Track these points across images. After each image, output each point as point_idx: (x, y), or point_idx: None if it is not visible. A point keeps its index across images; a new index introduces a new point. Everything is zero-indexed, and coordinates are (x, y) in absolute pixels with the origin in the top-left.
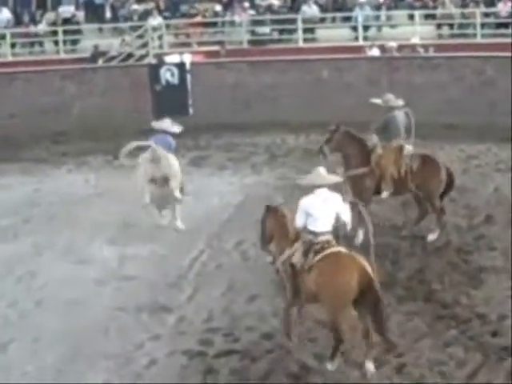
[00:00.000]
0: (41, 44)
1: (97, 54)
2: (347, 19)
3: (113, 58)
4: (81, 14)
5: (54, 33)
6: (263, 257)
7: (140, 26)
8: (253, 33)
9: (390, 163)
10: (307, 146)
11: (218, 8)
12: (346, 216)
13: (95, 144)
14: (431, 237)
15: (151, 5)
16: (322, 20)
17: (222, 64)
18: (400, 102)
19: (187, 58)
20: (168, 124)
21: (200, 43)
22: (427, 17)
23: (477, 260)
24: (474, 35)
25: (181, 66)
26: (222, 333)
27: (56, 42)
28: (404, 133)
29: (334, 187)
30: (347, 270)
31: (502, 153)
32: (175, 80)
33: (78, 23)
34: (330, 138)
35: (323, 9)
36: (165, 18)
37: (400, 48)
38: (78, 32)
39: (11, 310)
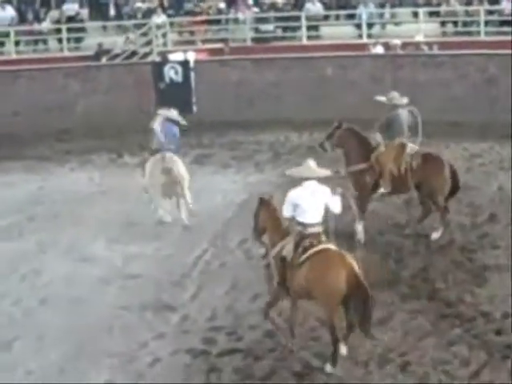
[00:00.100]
0: (45, 42)
1: (101, 51)
2: (351, 17)
3: (117, 55)
4: (85, 12)
5: (58, 31)
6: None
7: (144, 24)
8: (256, 30)
9: (390, 160)
10: (311, 143)
11: (222, 5)
12: (336, 208)
13: (99, 142)
14: (435, 235)
15: (155, 3)
16: (326, 17)
17: (226, 62)
18: (404, 100)
19: (191, 56)
20: (175, 113)
21: (204, 41)
22: (431, 14)
23: (481, 258)
24: (478, 33)
25: (185, 63)
26: (226, 331)
27: (60, 40)
28: (408, 131)
29: (324, 180)
30: (335, 267)
31: (505, 151)
32: (179, 78)
33: (81, 21)
34: (331, 134)
35: (327, 6)
36: (169, 15)
37: (404, 45)
38: (82, 30)
39: (15, 307)
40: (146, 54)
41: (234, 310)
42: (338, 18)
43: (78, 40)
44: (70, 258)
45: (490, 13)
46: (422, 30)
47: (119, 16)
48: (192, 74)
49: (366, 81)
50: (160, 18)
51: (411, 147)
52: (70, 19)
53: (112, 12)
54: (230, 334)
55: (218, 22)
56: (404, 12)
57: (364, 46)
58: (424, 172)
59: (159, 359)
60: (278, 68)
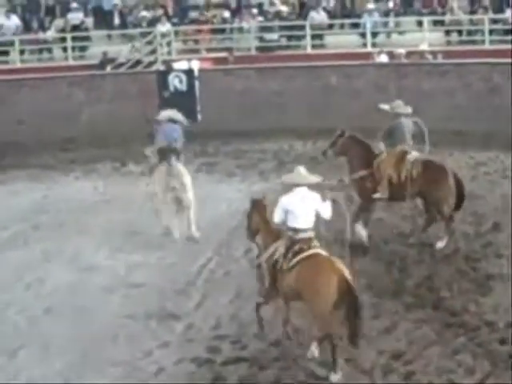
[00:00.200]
0: (49, 51)
1: (105, 60)
2: (356, 25)
3: (121, 64)
4: (89, 21)
5: (63, 39)
6: None
7: (149, 33)
8: (261, 39)
9: (389, 167)
10: (315, 152)
11: (227, 14)
12: (326, 214)
13: (103, 151)
14: (439, 244)
15: (160, 11)
16: (331, 26)
17: (230, 71)
18: (408, 110)
19: (195, 65)
20: (173, 112)
21: (208, 50)
22: (436, 23)
23: (485, 267)
24: (483, 42)
25: (189, 72)
26: (230, 340)
27: (65, 49)
28: (412, 140)
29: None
30: (325, 272)
31: (509, 160)
32: (183, 87)
33: (86, 30)
34: (334, 142)
35: (331, 15)
36: (173, 24)
37: (408, 54)
38: (87, 39)
39: (20, 316)
40: (151, 63)
41: (238, 319)
42: (342, 26)
43: (83, 49)
44: (75, 266)
45: (495, 22)
46: (426, 38)
47: (124, 25)
48: (196, 83)
49: (370, 90)
50: (165, 27)
51: (413, 155)
52: (75, 28)
53: (117, 21)
54: (235, 343)
55: (222, 30)
56: (408, 21)
57: (368, 55)
58: (425, 180)
59: (164, 368)
60: (282, 77)
